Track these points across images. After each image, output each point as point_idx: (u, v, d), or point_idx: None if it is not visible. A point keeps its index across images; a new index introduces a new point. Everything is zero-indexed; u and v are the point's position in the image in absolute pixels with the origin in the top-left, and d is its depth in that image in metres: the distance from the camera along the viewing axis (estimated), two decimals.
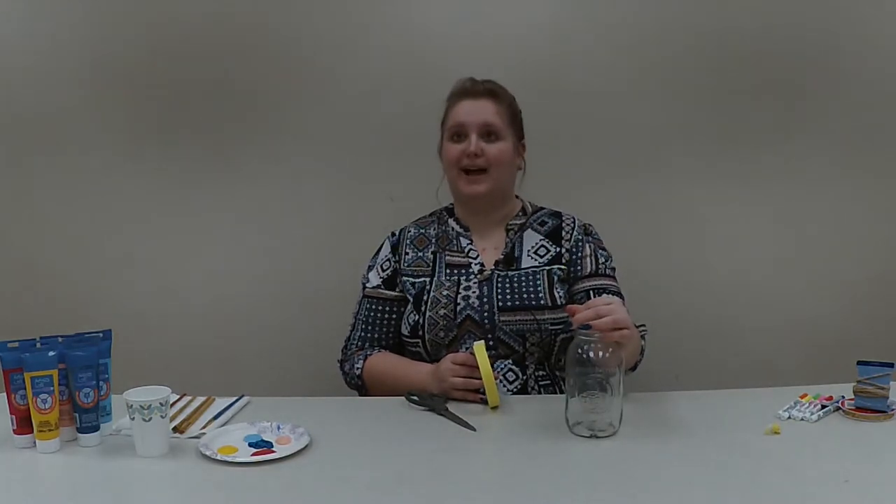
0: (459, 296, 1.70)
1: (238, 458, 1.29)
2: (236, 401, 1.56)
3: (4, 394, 1.37)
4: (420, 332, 1.70)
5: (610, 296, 1.64)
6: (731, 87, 2.18)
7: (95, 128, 2.20)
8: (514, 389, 1.66)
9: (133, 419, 1.31)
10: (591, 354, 1.37)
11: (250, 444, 1.35)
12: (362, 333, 1.78)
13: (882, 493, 1.17)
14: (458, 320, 1.68)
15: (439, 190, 1.82)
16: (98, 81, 2.18)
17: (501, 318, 1.67)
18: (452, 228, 1.81)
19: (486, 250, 1.78)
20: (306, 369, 2.09)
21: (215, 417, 1.47)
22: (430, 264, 1.77)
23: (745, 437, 1.37)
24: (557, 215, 1.82)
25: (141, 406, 1.30)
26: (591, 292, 1.71)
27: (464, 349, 1.65)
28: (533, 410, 1.53)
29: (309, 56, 2.17)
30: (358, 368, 1.73)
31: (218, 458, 1.29)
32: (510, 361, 1.67)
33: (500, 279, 1.72)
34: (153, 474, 1.28)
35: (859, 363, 1.47)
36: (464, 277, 1.74)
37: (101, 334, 1.46)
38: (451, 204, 1.86)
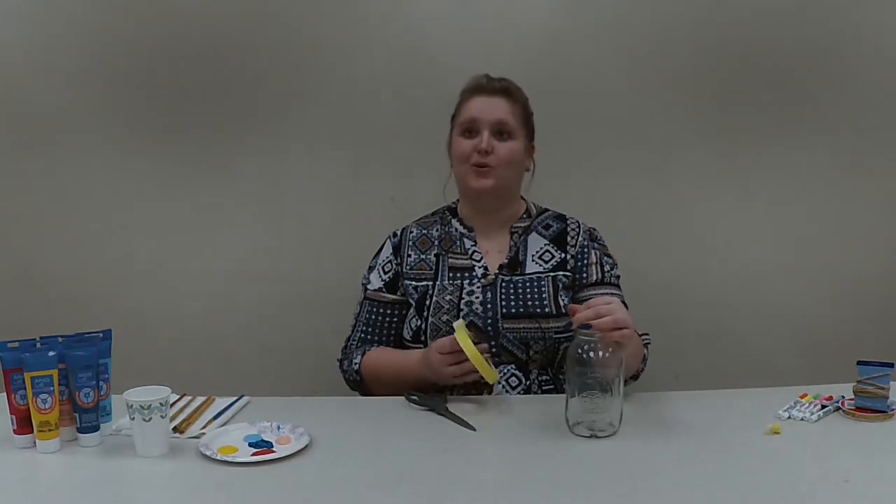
0: (462, 301, 1.69)
1: (238, 458, 1.29)
2: (236, 401, 1.56)
3: (4, 394, 1.37)
4: (423, 338, 1.69)
5: (610, 296, 1.64)
6: (731, 87, 2.18)
7: (95, 128, 2.20)
8: (518, 394, 1.66)
9: (133, 419, 1.31)
10: (592, 354, 1.38)
11: (250, 444, 1.35)
12: (362, 335, 1.78)
13: (882, 493, 1.17)
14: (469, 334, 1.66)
15: (446, 187, 1.81)
16: (98, 81, 2.18)
17: (505, 325, 1.66)
18: (456, 229, 1.80)
19: (490, 252, 1.76)
20: (306, 369, 2.09)
21: (215, 417, 1.47)
22: (433, 267, 1.75)
23: (745, 437, 1.37)
24: (562, 218, 1.81)
25: (141, 406, 1.30)
26: None
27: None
28: (533, 410, 1.52)
29: (309, 55, 2.17)
30: (356, 364, 1.72)
31: (218, 458, 1.29)
32: (513, 367, 1.66)
33: (504, 284, 1.71)
34: (153, 474, 1.28)
35: (859, 363, 1.47)
36: (467, 281, 1.72)
37: (101, 334, 1.46)
38: (454, 203, 1.85)
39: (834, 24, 2.15)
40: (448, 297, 1.70)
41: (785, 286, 2.26)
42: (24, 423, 1.35)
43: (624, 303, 1.75)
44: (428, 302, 1.71)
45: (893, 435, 1.38)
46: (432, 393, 1.59)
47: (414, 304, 1.73)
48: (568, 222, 1.80)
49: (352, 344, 1.79)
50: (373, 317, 1.77)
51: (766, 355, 2.25)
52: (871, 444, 1.34)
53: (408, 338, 1.73)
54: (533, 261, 1.74)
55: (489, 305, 1.68)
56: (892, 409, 1.44)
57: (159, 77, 2.17)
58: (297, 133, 2.20)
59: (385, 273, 1.78)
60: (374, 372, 1.71)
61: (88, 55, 2.17)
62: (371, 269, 1.81)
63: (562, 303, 1.69)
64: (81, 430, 1.37)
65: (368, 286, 1.80)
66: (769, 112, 2.19)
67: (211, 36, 2.16)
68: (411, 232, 1.81)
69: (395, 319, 1.77)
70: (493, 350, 1.63)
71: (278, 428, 1.40)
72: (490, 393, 1.64)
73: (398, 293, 1.77)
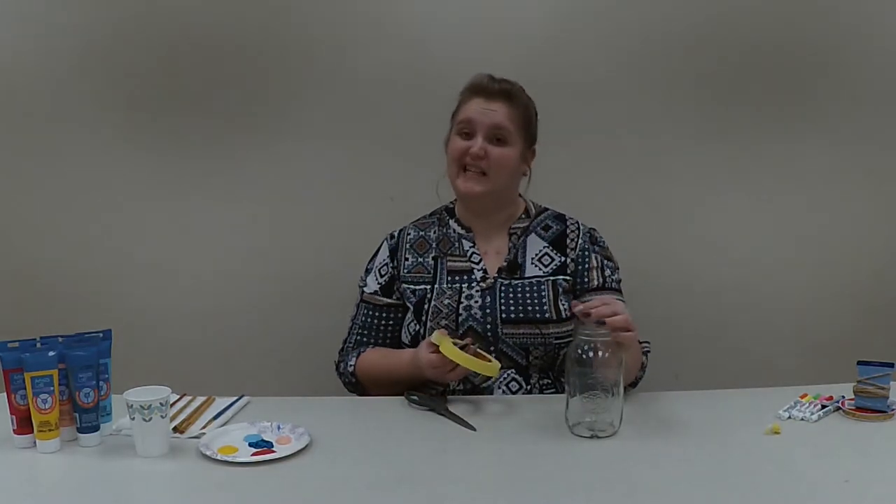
0: (461, 305, 1.68)
1: (238, 458, 1.29)
2: (236, 401, 1.56)
3: (4, 394, 1.37)
4: (420, 343, 1.65)
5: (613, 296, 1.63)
6: (731, 86, 2.17)
7: (95, 128, 2.20)
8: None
9: (133, 419, 1.31)
10: (592, 355, 1.38)
11: (250, 444, 1.35)
12: (358, 338, 1.77)
13: (882, 493, 1.17)
14: (460, 332, 1.65)
15: (439, 185, 1.79)
16: (98, 81, 2.17)
17: (505, 331, 1.65)
18: (454, 230, 1.78)
19: (489, 254, 1.75)
20: (306, 369, 2.09)
21: (215, 417, 1.47)
22: (431, 270, 1.74)
23: (745, 437, 1.37)
24: (562, 219, 1.79)
25: (141, 406, 1.30)
26: None
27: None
28: (533, 410, 1.53)
29: (309, 55, 2.17)
30: (351, 366, 1.72)
31: (218, 458, 1.29)
32: (513, 371, 1.65)
33: (503, 288, 1.69)
34: (153, 474, 1.28)
35: (859, 363, 1.47)
36: (465, 285, 1.71)
37: (101, 334, 1.46)
38: (452, 203, 1.84)
39: (834, 21, 2.15)
40: (447, 302, 1.69)
41: (785, 286, 2.26)
42: (24, 423, 1.35)
43: (623, 303, 1.75)
44: (426, 306, 1.69)
45: (893, 435, 1.38)
46: (432, 392, 1.59)
47: (412, 308, 1.71)
48: (567, 223, 1.78)
49: (348, 346, 1.78)
50: (369, 320, 1.77)
51: (766, 355, 2.25)
52: (871, 444, 1.34)
53: (406, 342, 1.72)
54: (532, 264, 1.73)
55: (488, 310, 1.67)
56: (892, 409, 1.44)
57: (160, 77, 2.17)
58: (298, 133, 2.20)
59: (381, 276, 1.77)
60: (369, 373, 1.71)
61: (89, 56, 2.16)
62: (368, 271, 1.80)
63: (562, 307, 1.67)
64: (81, 430, 1.37)
65: (365, 289, 1.79)
66: (770, 112, 2.19)
67: (210, 37, 2.15)
68: (408, 234, 1.80)
69: (391, 322, 1.76)
70: (476, 344, 1.58)
71: (278, 428, 1.40)
72: (491, 393, 1.64)
73: (394, 297, 1.76)
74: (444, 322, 1.66)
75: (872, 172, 2.23)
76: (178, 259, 2.25)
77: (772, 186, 2.23)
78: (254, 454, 1.31)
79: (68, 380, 1.37)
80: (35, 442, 1.34)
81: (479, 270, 1.72)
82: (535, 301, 1.67)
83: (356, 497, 1.19)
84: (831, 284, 2.26)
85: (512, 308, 1.67)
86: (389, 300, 1.76)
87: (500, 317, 1.66)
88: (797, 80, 2.17)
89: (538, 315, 1.66)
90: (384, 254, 1.79)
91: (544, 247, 1.75)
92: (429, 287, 1.72)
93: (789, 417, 1.45)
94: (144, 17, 2.15)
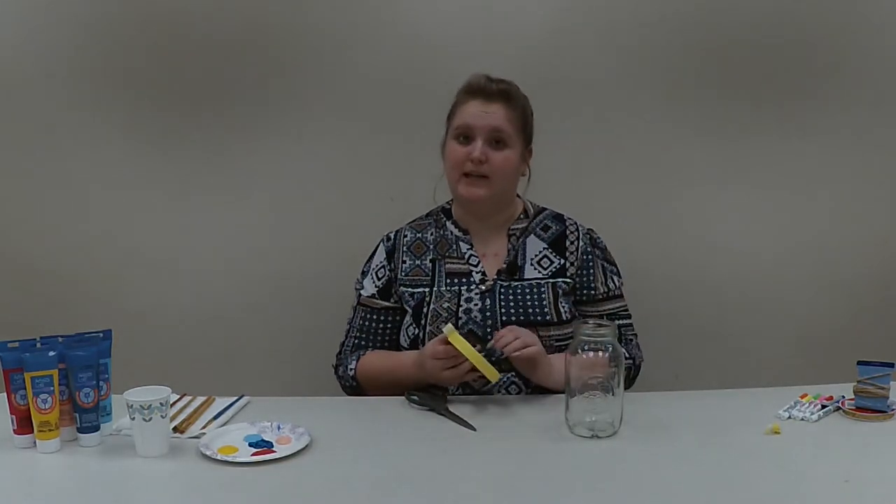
0: (461, 308, 1.67)
1: (238, 458, 1.29)
2: (236, 401, 1.56)
3: (4, 394, 1.37)
4: (420, 346, 1.65)
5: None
6: (731, 86, 2.17)
7: (95, 128, 2.19)
8: None
9: (133, 419, 1.31)
10: (592, 354, 1.38)
11: (250, 444, 1.35)
12: (356, 341, 1.76)
13: (882, 493, 1.17)
14: (460, 335, 1.65)
15: (437, 188, 1.80)
16: (97, 82, 2.17)
17: None
18: (451, 232, 1.76)
19: (487, 256, 1.74)
20: (306, 369, 2.09)
21: (215, 417, 1.47)
22: (429, 273, 1.73)
23: (745, 437, 1.37)
24: (560, 219, 1.78)
25: (141, 406, 1.30)
26: (604, 317, 1.72)
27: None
28: (533, 410, 1.53)
29: (309, 55, 2.17)
30: (351, 369, 1.71)
31: (218, 458, 1.29)
32: (513, 374, 1.63)
33: (502, 290, 1.69)
34: (153, 474, 1.28)
35: (859, 363, 1.47)
36: (465, 287, 1.69)
37: (101, 334, 1.46)
38: (448, 203, 1.83)
39: (835, 20, 2.15)
40: (446, 305, 1.68)
41: (785, 286, 2.25)
42: (24, 423, 1.35)
43: (626, 310, 1.76)
44: (425, 310, 1.68)
45: (893, 435, 1.38)
46: (432, 392, 1.59)
47: (410, 311, 1.70)
48: (567, 224, 1.77)
49: (346, 349, 1.77)
50: (367, 323, 1.76)
51: (766, 355, 2.25)
52: (871, 444, 1.34)
53: (405, 345, 1.71)
54: (531, 266, 1.72)
55: (488, 313, 1.66)
56: (892, 409, 1.44)
57: (159, 78, 2.17)
58: (297, 133, 2.20)
59: (378, 279, 1.76)
60: (370, 376, 1.70)
61: (89, 55, 2.16)
62: (364, 274, 1.79)
63: (562, 310, 1.67)
64: (81, 430, 1.37)
65: (362, 292, 1.77)
66: (770, 111, 2.19)
67: (210, 37, 2.15)
68: (405, 236, 1.78)
69: (389, 326, 1.75)
70: (483, 351, 1.58)
71: (278, 428, 1.40)
72: (491, 394, 1.64)
73: (392, 300, 1.75)
74: (443, 326, 1.65)
75: (873, 172, 2.23)
76: (178, 259, 2.25)
77: (772, 186, 2.23)
78: (254, 454, 1.31)
79: (68, 380, 1.37)
80: (35, 442, 1.34)
81: (477, 273, 1.72)
82: (536, 303, 1.67)
83: (356, 497, 1.19)
84: (831, 284, 2.25)
85: (512, 310, 1.66)
86: (387, 303, 1.75)
87: (501, 319, 1.65)
88: (797, 80, 2.17)
89: (539, 317, 1.66)
90: (381, 256, 1.78)
91: (543, 248, 1.74)
92: (427, 290, 1.71)
93: (789, 417, 1.45)
94: (145, 15, 2.14)
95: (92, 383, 1.37)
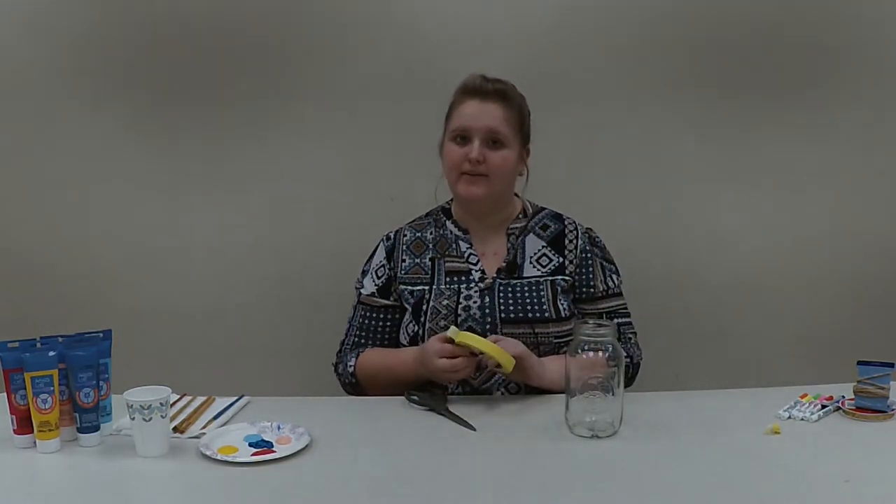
0: (460, 306, 1.68)
1: (238, 458, 1.29)
2: (236, 401, 1.56)
3: (4, 394, 1.37)
4: (420, 343, 1.66)
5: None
6: (731, 85, 2.17)
7: (95, 128, 2.20)
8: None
9: (133, 419, 1.31)
10: (592, 354, 1.38)
11: (250, 444, 1.35)
12: (356, 339, 1.77)
13: (882, 493, 1.17)
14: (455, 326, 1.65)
15: (438, 188, 1.80)
16: (97, 81, 2.17)
17: (504, 331, 1.64)
18: (451, 232, 1.77)
19: (486, 255, 1.74)
20: (306, 369, 2.08)
21: (215, 417, 1.47)
22: (429, 271, 1.73)
23: (745, 437, 1.37)
24: (559, 218, 1.79)
25: (141, 406, 1.30)
26: (604, 316, 1.73)
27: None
28: (533, 410, 1.53)
29: (309, 55, 2.17)
30: (351, 367, 1.71)
31: (218, 458, 1.29)
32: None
33: (501, 288, 1.69)
34: (153, 474, 1.28)
35: (859, 363, 1.47)
36: (464, 285, 1.70)
37: (101, 334, 1.46)
38: (448, 203, 1.84)
39: (835, 20, 2.15)
40: (445, 302, 1.68)
41: (785, 286, 2.25)
42: (24, 423, 1.35)
43: (625, 308, 1.76)
44: (425, 307, 1.69)
45: (893, 435, 1.38)
46: (432, 392, 1.59)
47: (410, 308, 1.71)
48: (565, 223, 1.78)
49: (346, 348, 1.78)
50: (366, 321, 1.76)
51: (766, 355, 2.25)
52: (871, 444, 1.34)
53: (405, 342, 1.72)
54: (531, 264, 1.72)
55: (487, 310, 1.67)
56: (892, 409, 1.44)
57: (159, 77, 2.17)
58: (297, 133, 2.20)
59: (378, 278, 1.77)
60: (370, 373, 1.70)
61: (89, 54, 2.16)
62: (364, 273, 1.80)
63: (561, 307, 1.68)
64: (81, 430, 1.37)
65: (362, 291, 1.78)
66: (770, 110, 2.19)
67: (210, 36, 2.15)
68: (404, 235, 1.79)
69: (388, 324, 1.75)
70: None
71: (278, 428, 1.40)
72: (490, 394, 1.64)
73: (391, 298, 1.75)
74: (443, 322, 1.66)
75: (873, 171, 2.23)
76: (178, 259, 2.25)
77: (771, 186, 2.23)
78: (254, 454, 1.31)
79: (68, 380, 1.37)
80: (35, 442, 1.34)
81: (476, 271, 1.72)
82: (535, 300, 1.67)
83: (356, 497, 1.19)
84: (832, 284, 2.26)
85: (511, 308, 1.67)
86: (387, 302, 1.75)
87: (500, 317, 1.66)
88: (798, 79, 2.17)
89: (537, 314, 1.66)
90: (380, 255, 1.78)
91: (543, 247, 1.74)
92: (427, 288, 1.71)
93: (789, 417, 1.45)
94: (145, 15, 2.15)
95: (92, 383, 1.37)
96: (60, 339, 1.42)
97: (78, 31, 2.16)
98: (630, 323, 1.77)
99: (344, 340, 1.79)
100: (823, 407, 1.47)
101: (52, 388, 1.33)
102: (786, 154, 2.21)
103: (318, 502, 1.19)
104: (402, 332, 1.73)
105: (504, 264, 1.72)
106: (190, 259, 2.25)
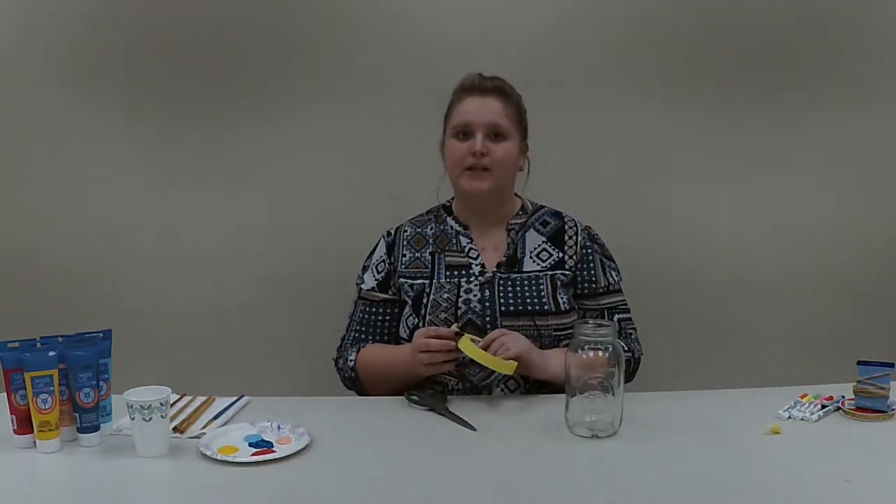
0: (460, 299, 1.69)
1: (238, 458, 1.29)
2: (236, 401, 1.56)
3: (4, 394, 1.37)
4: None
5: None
6: (731, 85, 2.17)
7: (95, 127, 2.20)
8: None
9: (133, 419, 1.31)
10: (592, 354, 1.38)
11: (250, 444, 1.35)
12: (356, 334, 1.78)
13: (882, 493, 1.17)
14: (459, 324, 1.65)
15: (440, 188, 1.80)
16: (97, 79, 2.17)
17: (504, 324, 1.65)
18: (451, 227, 1.79)
19: (486, 250, 1.76)
20: (306, 369, 2.09)
21: (215, 417, 1.47)
22: (429, 265, 1.75)
23: (745, 437, 1.37)
24: (559, 216, 1.80)
25: (141, 406, 1.30)
26: (605, 312, 1.74)
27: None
28: (533, 410, 1.53)
29: (310, 55, 2.17)
30: (351, 361, 1.72)
31: (218, 458, 1.29)
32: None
33: (501, 282, 1.70)
34: (153, 474, 1.28)
35: (859, 363, 1.47)
36: (464, 279, 1.71)
37: (101, 334, 1.46)
38: (449, 201, 1.84)
39: (835, 19, 2.15)
40: (445, 296, 1.69)
41: (785, 286, 2.25)
42: (24, 423, 1.35)
43: (625, 304, 1.77)
44: (425, 300, 1.70)
45: (893, 435, 1.38)
46: (432, 392, 1.59)
47: (410, 302, 1.72)
48: (565, 220, 1.79)
49: (346, 343, 1.79)
50: (367, 316, 1.77)
51: (766, 355, 2.25)
52: (871, 444, 1.34)
53: (405, 336, 1.73)
54: (530, 258, 1.74)
55: (487, 304, 1.68)
56: (892, 409, 1.44)
57: (159, 76, 2.17)
58: (298, 132, 2.20)
59: (378, 273, 1.78)
60: (369, 368, 1.71)
61: (90, 53, 2.16)
62: (365, 268, 1.81)
63: (560, 300, 1.68)
64: (81, 430, 1.37)
65: (362, 286, 1.79)
66: (770, 110, 2.19)
67: (210, 35, 2.15)
68: (405, 231, 1.80)
69: (388, 318, 1.76)
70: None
71: (278, 428, 1.40)
72: (490, 392, 1.64)
73: (391, 292, 1.76)
74: (443, 315, 1.66)
75: (873, 171, 2.23)
76: (178, 259, 2.25)
77: (772, 186, 2.23)
78: (254, 454, 1.31)
79: (68, 380, 1.37)
80: (35, 442, 1.34)
81: (476, 265, 1.73)
82: (534, 294, 1.68)
83: (356, 497, 1.19)
84: (832, 284, 2.25)
85: (511, 301, 1.68)
86: (386, 296, 1.76)
87: (500, 310, 1.67)
88: (798, 78, 2.17)
89: (537, 307, 1.67)
90: (381, 251, 1.80)
91: (542, 242, 1.76)
92: (427, 281, 1.73)
93: (789, 417, 1.45)
94: (146, 13, 2.14)
95: (92, 383, 1.37)
96: (60, 339, 1.43)
97: (78, 31, 2.16)
98: (630, 319, 1.78)
99: (344, 336, 1.80)
100: (823, 407, 1.47)
101: (52, 388, 1.33)
102: (786, 154, 2.21)
103: (318, 502, 1.19)
104: (401, 325, 1.74)
105: (504, 259, 1.73)
106: (190, 259, 2.25)
